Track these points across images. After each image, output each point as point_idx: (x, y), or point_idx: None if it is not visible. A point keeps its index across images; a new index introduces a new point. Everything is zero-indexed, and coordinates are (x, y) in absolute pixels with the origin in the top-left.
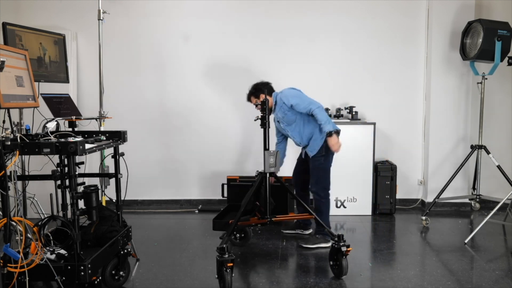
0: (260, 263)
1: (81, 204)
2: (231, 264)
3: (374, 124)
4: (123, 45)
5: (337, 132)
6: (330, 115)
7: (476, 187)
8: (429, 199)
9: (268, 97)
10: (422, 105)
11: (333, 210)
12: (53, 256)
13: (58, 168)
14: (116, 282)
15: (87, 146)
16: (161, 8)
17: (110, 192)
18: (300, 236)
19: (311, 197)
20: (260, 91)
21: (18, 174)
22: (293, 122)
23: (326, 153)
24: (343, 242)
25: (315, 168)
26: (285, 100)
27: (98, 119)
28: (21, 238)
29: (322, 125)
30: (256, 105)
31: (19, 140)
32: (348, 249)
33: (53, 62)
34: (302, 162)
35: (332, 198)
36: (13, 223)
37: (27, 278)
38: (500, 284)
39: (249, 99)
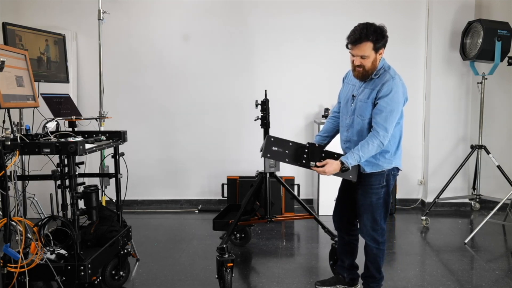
0: (260, 263)
1: (81, 204)
2: (231, 264)
3: None
4: (123, 45)
5: (346, 169)
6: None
7: (476, 187)
8: (429, 199)
9: (381, 51)
10: (422, 105)
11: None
12: (53, 256)
13: (58, 168)
14: (116, 282)
15: (87, 146)
16: (161, 8)
17: (110, 192)
18: None
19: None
20: (383, 41)
21: (18, 174)
22: (364, 117)
23: (387, 183)
24: None
25: (372, 202)
26: (386, 86)
27: (98, 119)
28: (21, 238)
29: (356, 151)
30: (356, 57)
31: (19, 140)
32: None
33: (53, 62)
34: (347, 190)
35: (332, 198)
36: (13, 223)
37: (27, 278)
38: (500, 284)
39: (356, 44)
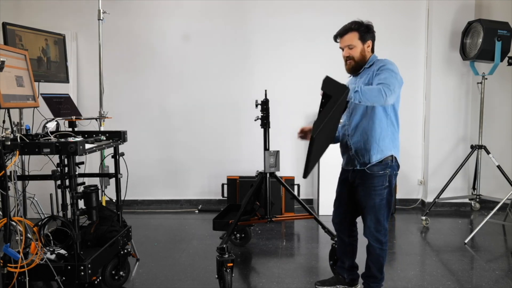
0: (260, 263)
1: (81, 204)
2: (231, 264)
3: None
4: (123, 45)
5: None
6: None
7: (476, 187)
8: (429, 199)
9: (369, 43)
10: (422, 105)
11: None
12: (53, 256)
13: (58, 168)
14: (116, 282)
15: (87, 146)
16: (161, 8)
17: (110, 192)
18: None
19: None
20: (370, 34)
21: (18, 174)
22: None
23: (390, 184)
24: None
25: (375, 204)
26: (380, 63)
27: (98, 119)
28: (21, 238)
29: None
30: (344, 49)
31: (19, 140)
32: None
33: (53, 62)
34: (347, 188)
35: (332, 198)
36: (13, 223)
37: (27, 278)
38: (500, 284)
39: (342, 35)
